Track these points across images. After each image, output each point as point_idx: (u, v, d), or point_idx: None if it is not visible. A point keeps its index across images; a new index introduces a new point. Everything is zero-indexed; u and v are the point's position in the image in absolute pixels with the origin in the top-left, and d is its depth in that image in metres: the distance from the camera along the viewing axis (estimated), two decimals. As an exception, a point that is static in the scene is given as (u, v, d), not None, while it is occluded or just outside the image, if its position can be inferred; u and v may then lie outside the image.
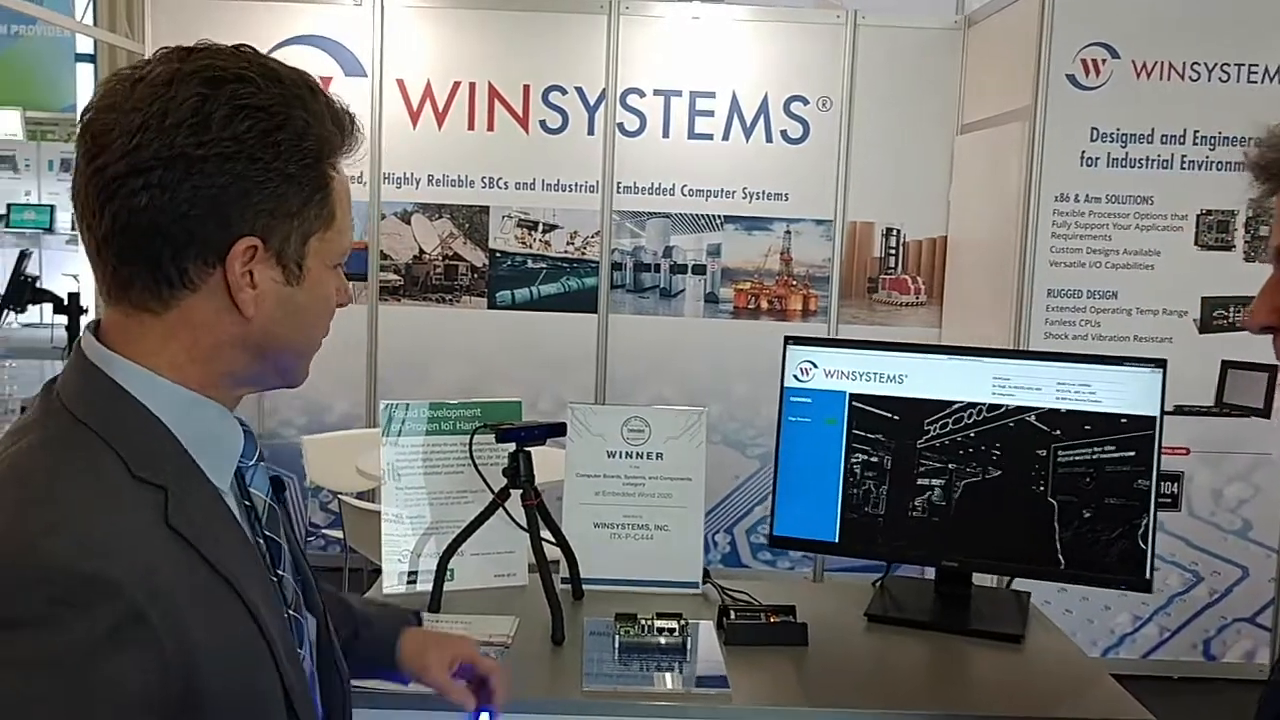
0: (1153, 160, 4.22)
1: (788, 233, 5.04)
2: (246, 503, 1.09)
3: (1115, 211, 4.24)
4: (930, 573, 2.25)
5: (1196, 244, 4.24)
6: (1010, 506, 2.09)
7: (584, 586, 2.20)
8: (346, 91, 4.95)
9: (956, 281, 4.94)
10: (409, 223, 5.07)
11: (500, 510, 2.11)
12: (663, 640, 1.95)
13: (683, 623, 1.97)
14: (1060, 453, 2.07)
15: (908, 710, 1.79)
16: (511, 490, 2.09)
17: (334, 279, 1.09)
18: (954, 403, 2.13)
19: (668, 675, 1.86)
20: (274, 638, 1.02)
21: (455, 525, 2.16)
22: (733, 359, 5.02)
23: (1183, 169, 4.21)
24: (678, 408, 2.29)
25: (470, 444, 2.15)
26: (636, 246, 5.07)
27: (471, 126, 5.01)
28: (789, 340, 2.25)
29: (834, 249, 5.01)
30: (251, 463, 1.09)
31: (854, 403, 2.18)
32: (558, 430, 2.13)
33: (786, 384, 2.23)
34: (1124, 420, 2.05)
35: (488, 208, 5.06)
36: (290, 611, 1.10)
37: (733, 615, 2.04)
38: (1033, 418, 2.09)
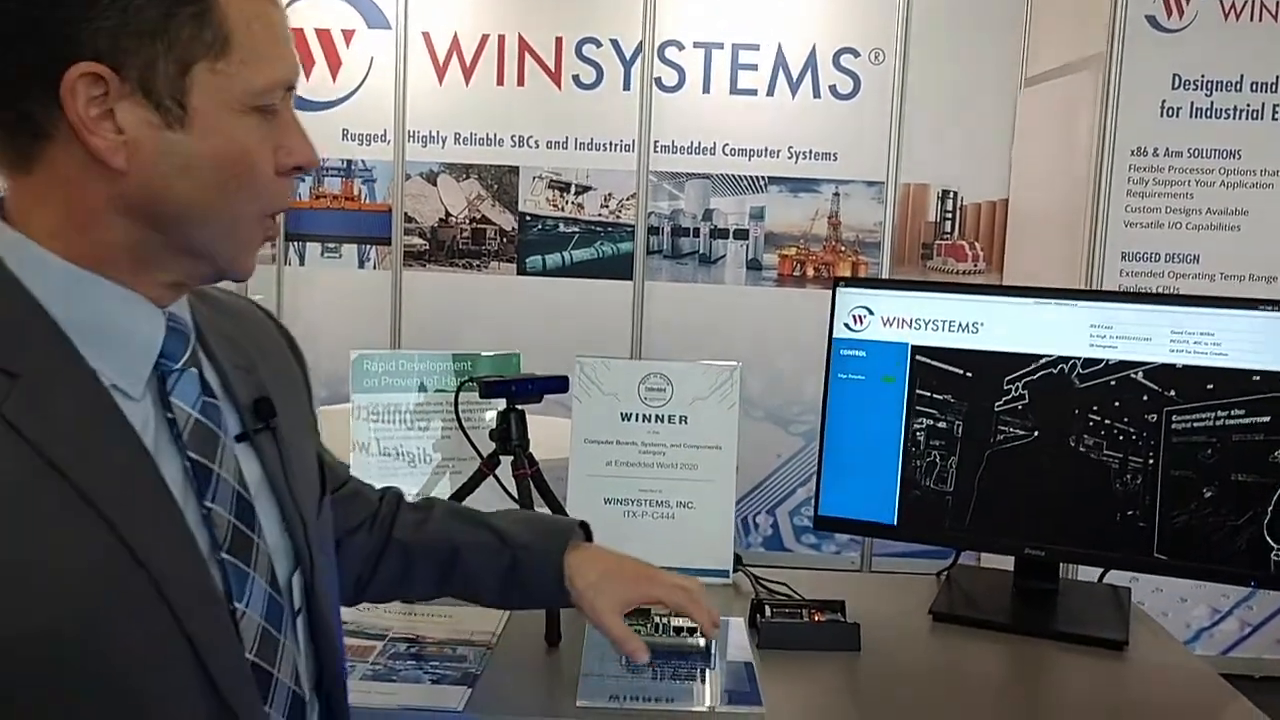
0: (1241, 110, 3.73)
1: (836, 195, 4.59)
2: (169, 414, 0.88)
3: (1198, 167, 3.75)
4: (1006, 563, 1.82)
5: (1288, 202, 3.75)
6: (1110, 484, 1.66)
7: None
8: (370, 45, 4.59)
9: (1018, 247, 4.47)
10: (435, 184, 4.69)
11: (489, 480, 1.71)
12: (682, 643, 1.55)
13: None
14: (1175, 418, 1.63)
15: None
16: (501, 457, 1.69)
17: (253, 126, 0.86)
18: (1041, 356, 1.70)
19: (686, 687, 1.45)
20: (161, 572, 0.81)
21: (443, 497, 1.76)
22: (776, 330, 4.58)
23: (1274, 119, 3.71)
24: (706, 363, 1.87)
25: (455, 401, 1.75)
26: (674, 210, 4.64)
27: (501, 82, 4.61)
28: (839, 281, 1.83)
29: (886, 213, 4.54)
30: (177, 366, 0.90)
31: (917, 356, 1.76)
32: (557, 384, 1.72)
33: (836, 334, 1.81)
34: (1257, 377, 1.61)
35: (517, 168, 4.66)
36: (224, 554, 0.88)
37: (769, 612, 1.63)
38: (1140, 374, 1.65)
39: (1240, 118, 3.73)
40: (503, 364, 1.83)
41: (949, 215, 4.57)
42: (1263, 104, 3.72)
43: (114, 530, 0.79)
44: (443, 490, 1.81)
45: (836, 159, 4.57)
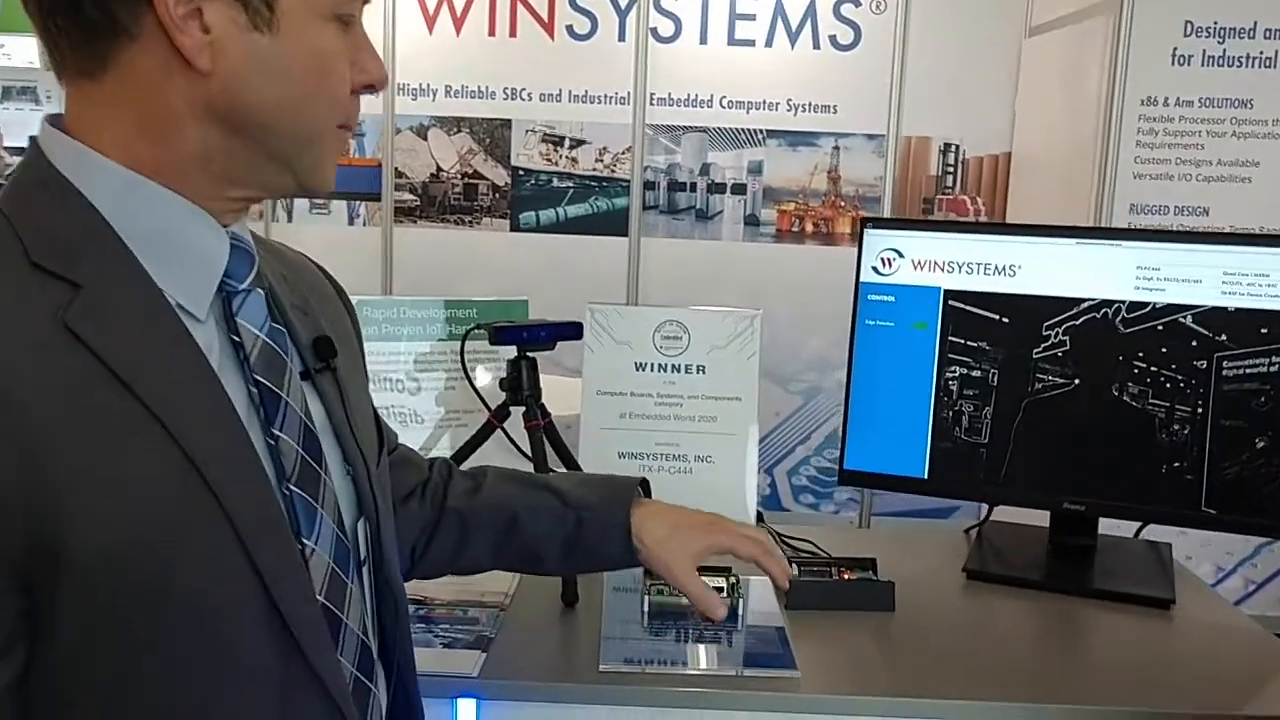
0: (1254, 58, 3.61)
1: (836, 149, 4.46)
2: (235, 338, 0.83)
3: (1209, 117, 3.64)
4: (1034, 517, 1.72)
5: (1302, 153, 3.64)
6: (1155, 434, 1.56)
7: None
8: (357, -6, 4.44)
9: (1022, 201, 4.36)
10: (425, 138, 4.54)
11: (499, 434, 1.60)
12: (706, 603, 1.45)
13: (732, 580, 1.46)
14: (1226, 364, 1.53)
15: (1040, 703, 1.27)
16: (512, 408, 1.58)
17: (335, 35, 0.83)
18: (1083, 300, 1.59)
19: (713, 651, 1.35)
20: (228, 497, 0.76)
21: (444, 454, 1.66)
22: (775, 286, 4.46)
23: (1288, 67, 3.60)
24: (725, 309, 1.76)
25: (462, 350, 1.64)
26: (671, 164, 4.51)
27: (492, 32, 4.45)
28: (867, 222, 1.72)
29: (886, 166, 4.42)
30: (243, 286, 0.84)
31: (950, 301, 1.65)
32: (570, 330, 1.61)
33: (863, 278, 1.70)
34: (1314, 321, 1.51)
35: (510, 121, 4.51)
36: (292, 486, 0.83)
37: (797, 571, 1.53)
38: (1189, 319, 1.55)
39: (1253, 66, 3.61)
40: (510, 310, 1.71)
41: (950, 169, 4.45)
42: (1276, 51, 3.60)
43: (180, 448, 0.74)
44: (445, 446, 1.71)
45: (836, 111, 4.44)
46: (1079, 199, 3.75)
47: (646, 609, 1.44)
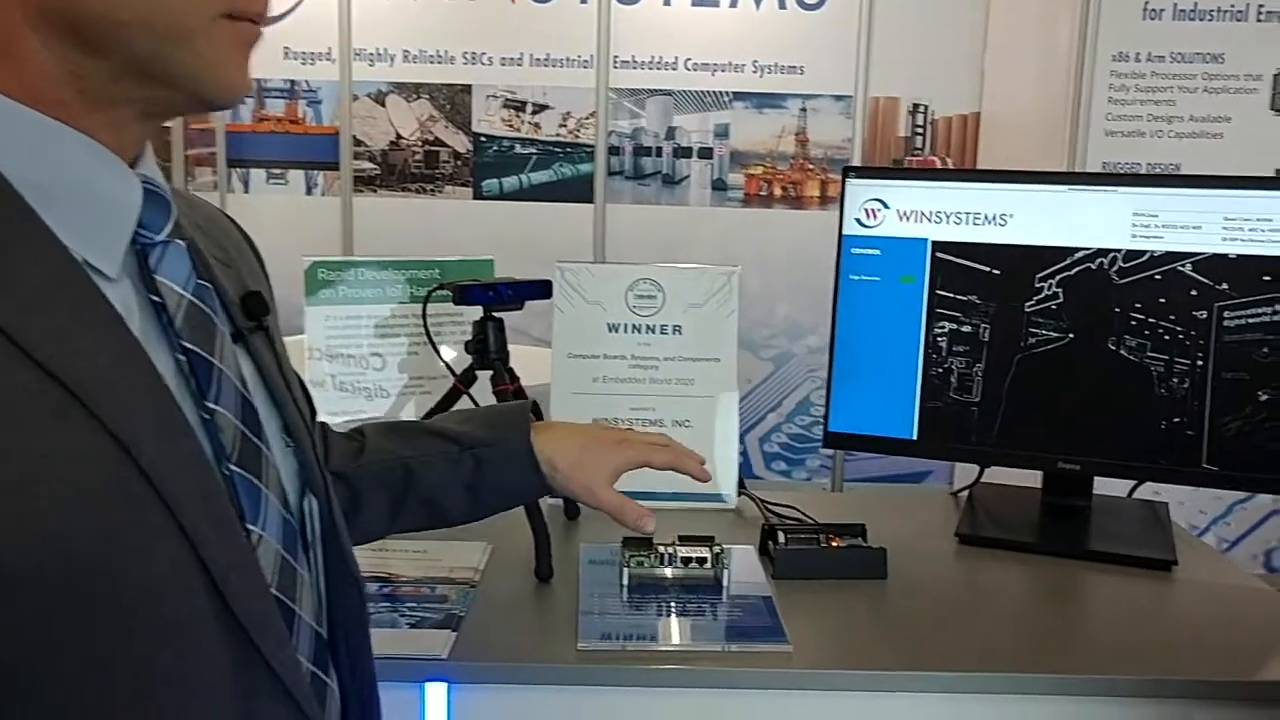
0: (1224, 11, 3.56)
1: (803, 110, 4.37)
2: (155, 298, 0.70)
3: (1180, 72, 3.59)
4: (1026, 478, 1.65)
5: (1273, 108, 3.59)
6: (1153, 389, 1.49)
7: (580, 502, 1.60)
8: (308, -48, 4.28)
9: (992, 161, 4.28)
10: (384, 105, 4.39)
11: (465, 400, 1.50)
12: (689, 574, 1.36)
13: (716, 549, 1.37)
14: (1227, 314, 1.46)
15: (1044, 673, 1.20)
16: (478, 372, 1.48)
17: None
18: (1077, 250, 1.51)
19: (698, 624, 1.27)
20: (165, 483, 0.65)
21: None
22: (743, 251, 4.36)
23: (1259, 20, 3.54)
24: (702, 267, 1.67)
25: (424, 311, 1.53)
26: (636, 128, 4.40)
27: (450, -6, 4.32)
28: (849, 172, 1.62)
29: (854, 128, 4.32)
30: (160, 237, 0.71)
31: (939, 253, 1.56)
32: (539, 290, 1.51)
33: (846, 230, 1.61)
34: (1319, 267, 1.43)
35: (470, 87, 4.38)
36: (232, 466, 0.71)
37: (782, 539, 1.44)
38: (1188, 267, 1.47)
39: (1224, 19, 3.55)
40: (475, 269, 1.61)
41: (919, 130, 4.37)
42: (1246, 4, 3.54)
43: (108, 432, 0.63)
44: (410, 415, 1.61)
45: (803, 72, 4.34)
46: (1050, 158, 3.68)
47: (626, 582, 1.35)
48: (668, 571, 1.36)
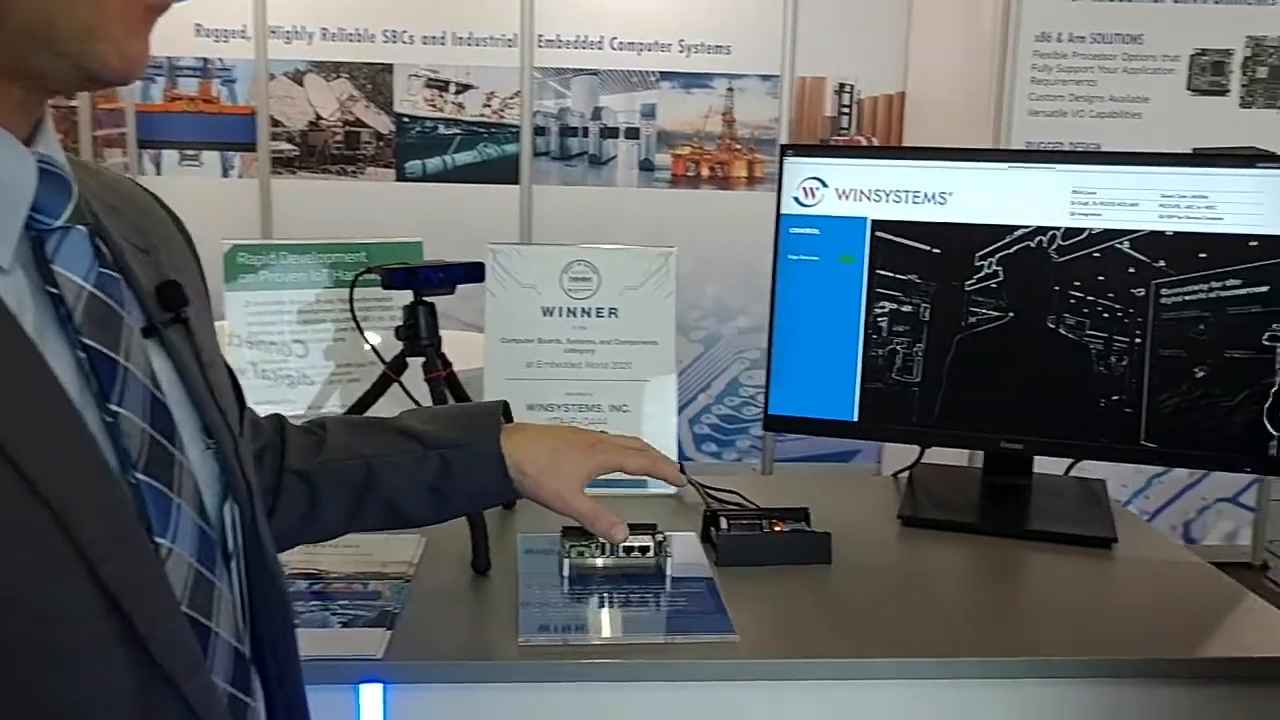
0: (1143, -8, 3.59)
1: (730, 90, 4.34)
2: (52, 290, 0.64)
3: (1101, 52, 3.62)
4: (963, 458, 1.64)
5: (1189, 88, 3.64)
6: (1092, 367, 1.48)
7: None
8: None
9: (918, 141, 4.29)
10: (302, 84, 4.27)
11: (394, 390, 1.44)
12: (631, 563, 1.32)
13: (658, 538, 1.33)
14: (1164, 291, 1.45)
15: (991, 657, 1.18)
16: (409, 359, 1.42)
17: None
18: (1016, 228, 1.50)
19: (643, 615, 1.23)
20: (59, 497, 0.58)
21: (336, 412, 1.50)
22: (672, 232, 4.33)
23: (1176, 1, 3.59)
24: (639, 248, 1.63)
25: (351, 296, 1.47)
26: (561, 108, 4.34)
27: (369, -30, 4.20)
28: (787, 150, 1.59)
29: (781, 108, 4.31)
30: (59, 223, 0.65)
31: (878, 232, 1.54)
32: (472, 272, 1.45)
33: (784, 210, 1.58)
34: (1254, 243, 1.43)
35: (391, 66, 4.28)
36: (139, 475, 0.65)
37: (725, 524, 1.41)
38: (1126, 244, 1.46)
39: (1142, 0, 3.59)
40: (403, 252, 1.55)
41: (846, 109, 4.37)
42: (1164, -15, 3.59)
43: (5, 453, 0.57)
44: (336, 404, 1.54)
45: (729, 52, 4.31)
46: (975, 137, 3.69)
47: (566, 573, 1.31)
48: (609, 561, 1.32)
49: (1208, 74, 3.63)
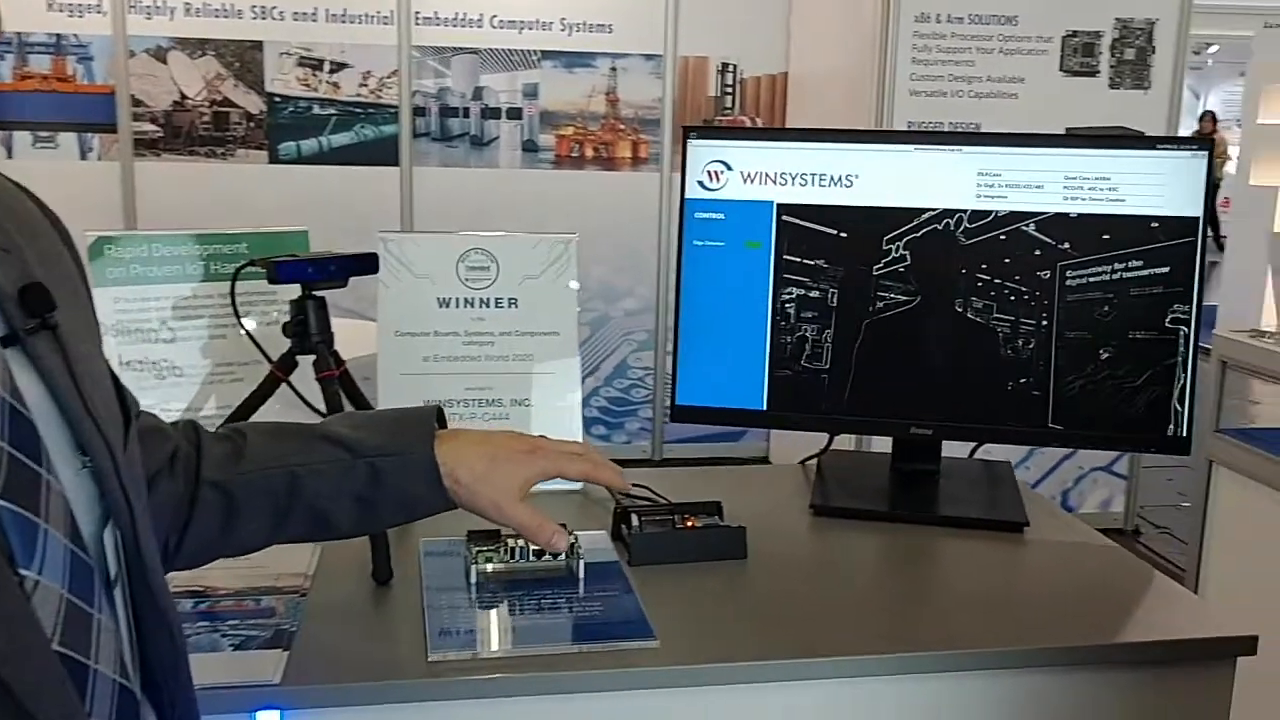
0: (1018, -26, 3.65)
1: (613, 70, 4.28)
2: None
3: (979, 33, 3.67)
4: (874, 444, 1.61)
5: (1061, 69, 3.72)
6: (1000, 350, 1.47)
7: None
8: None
9: (801, 121, 4.30)
10: (165, 61, 4.06)
11: (284, 388, 1.34)
12: (541, 567, 1.26)
13: (570, 539, 1.27)
14: (1070, 274, 1.45)
15: (919, 651, 1.15)
16: (298, 357, 1.33)
17: None
18: (923, 211, 1.47)
19: (558, 623, 1.16)
20: None
21: (218, 416, 1.39)
22: (556, 214, 4.26)
23: (1049, -17, 3.66)
24: (538, 235, 1.56)
25: (233, 291, 1.36)
26: (441, 88, 4.22)
27: (235, -57, 4.01)
28: (689, 132, 1.53)
29: (665, 88, 4.28)
30: None
31: (784, 216, 1.50)
32: (365, 264, 1.36)
33: (689, 194, 1.52)
34: (1155, 224, 1.43)
35: (261, 43, 4.10)
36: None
37: (636, 522, 1.36)
38: (1032, 227, 1.45)
39: (1017, -18, 3.65)
40: (287, 243, 1.45)
41: (729, 89, 4.35)
42: (1038, -32, 3.65)
43: None
44: (213, 407, 1.44)
45: (612, 31, 4.25)
46: (857, 117, 3.71)
47: (474, 580, 1.24)
48: (518, 566, 1.26)
49: (1079, 55, 3.71)
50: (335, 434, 0.99)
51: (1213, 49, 7.39)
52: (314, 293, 1.30)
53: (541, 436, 1.07)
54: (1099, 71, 3.72)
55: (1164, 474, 4.39)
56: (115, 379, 0.79)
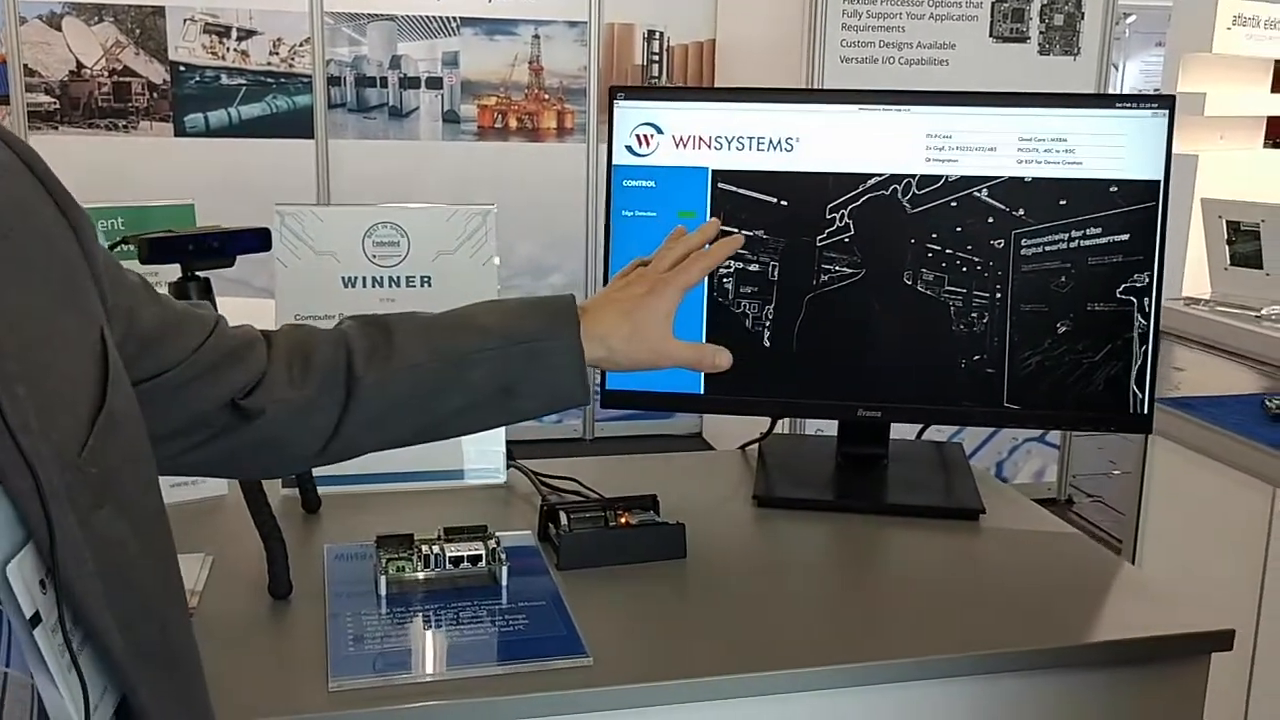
0: (947, -61, 3.55)
1: (536, 37, 4.11)
2: None
3: (908, -1, 3.56)
4: (814, 426, 1.50)
5: (991, 35, 3.63)
6: (952, 326, 1.36)
7: (320, 490, 1.32)
8: None
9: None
10: (59, 28, 3.81)
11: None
12: (460, 575, 1.13)
13: (491, 543, 1.14)
14: (1025, 242, 1.34)
15: (871, 661, 1.04)
16: (180, 346, 1.17)
17: None
18: (869, 176, 1.35)
19: (478, 640, 1.03)
20: None
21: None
22: (479, 187, 4.09)
23: (978, -52, 3.56)
24: (452, 206, 1.41)
25: (103, 274, 1.20)
26: (357, 56, 4.02)
27: (133, -99, 3.77)
28: (617, 92, 1.40)
29: (590, 56, 4.12)
30: None
31: (720, 184, 1.37)
32: (253, 240, 1.20)
33: (616, 160, 1.39)
34: (1114, 189, 1.33)
35: (162, 9, 3.86)
36: None
37: (565, 521, 1.23)
38: (984, 192, 1.34)
39: (947, -53, 3.55)
40: (170, 217, 1.28)
41: (656, 57, 4.20)
42: (968, -68, 3.55)
43: None
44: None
45: (534, -4, 4.08)
46: (787, 84, 3.58)
47: (383, 592, 1.10)
48: (433, 574, 1.12)
49: (1009, 21, 3.62)
50: (482, 324, 0.96)
51: (1130, 19, 7.40)
52: (196, 273, 1.14)
53: (639, 266, 1.04)
54: (1029, 38, 3.64)
55: (1094, 442, 4.36)
56: (171, 305, 0.80)
